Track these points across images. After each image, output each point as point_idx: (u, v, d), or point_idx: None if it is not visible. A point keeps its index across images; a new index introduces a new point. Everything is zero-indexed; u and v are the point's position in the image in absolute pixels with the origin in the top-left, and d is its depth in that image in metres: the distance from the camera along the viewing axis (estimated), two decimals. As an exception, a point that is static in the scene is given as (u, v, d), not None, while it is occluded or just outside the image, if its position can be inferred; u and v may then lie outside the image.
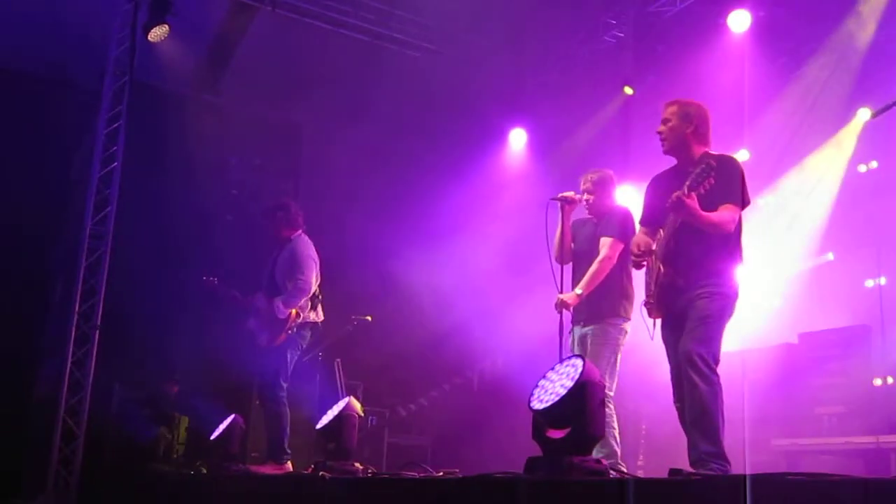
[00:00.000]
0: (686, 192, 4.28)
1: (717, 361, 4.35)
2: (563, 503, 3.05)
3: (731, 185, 4.49)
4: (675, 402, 4.61)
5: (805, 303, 8.51)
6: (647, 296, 4.70)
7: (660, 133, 4.77)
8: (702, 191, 4.29)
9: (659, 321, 4.73)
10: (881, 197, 7.91)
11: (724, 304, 4.46)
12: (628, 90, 9.93)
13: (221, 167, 10.66)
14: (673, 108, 4.75)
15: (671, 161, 4.88)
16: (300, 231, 7.01)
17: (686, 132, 4.67)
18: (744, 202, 4.54)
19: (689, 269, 4.51)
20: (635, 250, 4.72)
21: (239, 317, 7.27)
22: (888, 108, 4.26)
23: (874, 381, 7.44)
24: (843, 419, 7.63)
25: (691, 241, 4.49)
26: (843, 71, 8.37)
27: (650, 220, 4.86)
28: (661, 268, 4.57)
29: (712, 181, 4.27)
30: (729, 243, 4.55)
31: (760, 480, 2.37)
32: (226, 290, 7.26)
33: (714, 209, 4.43)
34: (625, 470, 5.24)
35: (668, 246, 4.54)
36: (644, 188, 5.08)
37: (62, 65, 10.30)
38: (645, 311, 4.75)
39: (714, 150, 4.73)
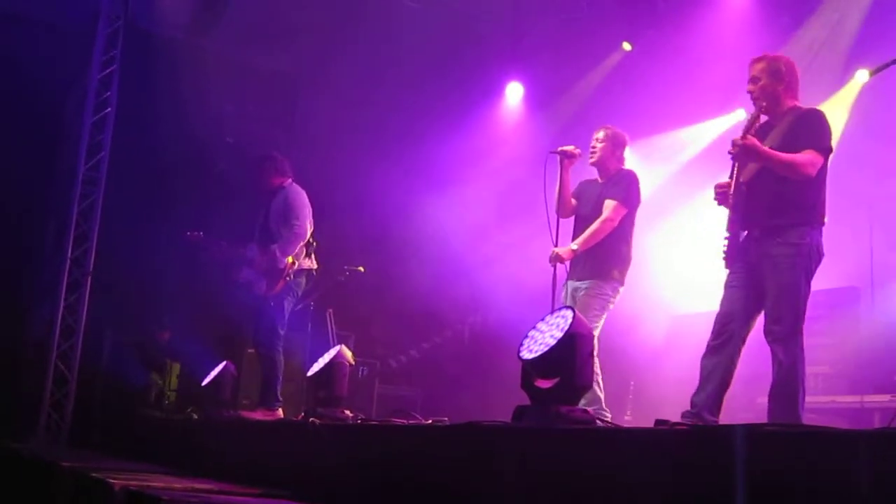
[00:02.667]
0: (742, 135, 4.24)
1: (801, 322, 4.32)
2: (549, 451, 3.08)
3: (815, 132, 4.41)
4: (710, 340, 4.58)
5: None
6: (726, 245, 4.60)
7: (750, 92, 4.66)
8: (752, 132, 4.26)
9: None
10: (876, 158, 7.89)
11: (806, 267, 4.38)
12: (627, 45, 9.87)
13: (216, 114, 10.58)
14: (761, 66, 4.64)
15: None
16: (290, 179, 6.99)
17: (778, 89, 4.59)
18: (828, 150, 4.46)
19: (764, 218, 4.44)
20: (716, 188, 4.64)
21: (230, 268, 7.24)
22: (886, 66, 4.24)
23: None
24: (829, 379, 7.70)
25: (765, 185, 4.43)
26: (843, 31, 8.31)
27: None
28: (731, 214, 4.52)
29: (759, 123, 4.23)
30: (806, 193, 4.44)
31: (750, 431, 2.39)
32: (212, 242, 7.22)
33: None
34: (609, 417, 5.32)
35: (737, 191, 4.45)
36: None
37: (55, 8, 10.19)
38: (724, 262, 4.64)
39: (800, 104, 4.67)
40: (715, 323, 4.60)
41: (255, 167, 7.10)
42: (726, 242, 4.61)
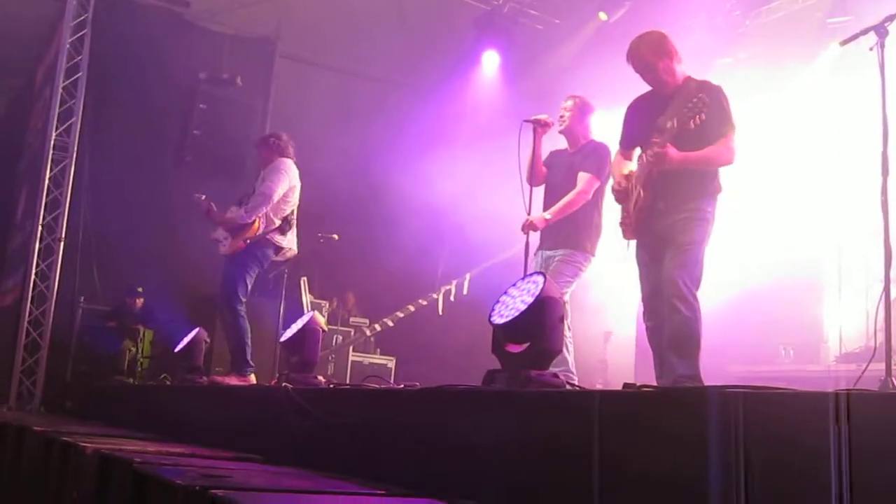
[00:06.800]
0: (663, 143, 4.32)
1: (698, 286, 4.42)
2: (519, 413, 3.11)
3: (723, 117, 4.48)
4: (645, 322, 4.70)
5: (766, 235, 8.62)
6: (625, 217, 4.72)
7: (650, 82, 4.73)
8: (691, 125, 4.30)
9: (633, 243, 4.77)
10: (850, 129, 7.95)
11: (705, 230, 4.50)
12: (603, 16, 9.87)
13: (190, 81, 10.49)
14: (647, 51, 4.67)
15: (646, 87, 4.86)
16: (288, 157, 6.95)
17: (672, 65, 4.66)
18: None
19: (670, 193, 4.52)
20: (616, 187, 4.77)
21: (210, 229, 7.20)
22: (855, 37, 4.28)
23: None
24: (797, 349, 7.84)
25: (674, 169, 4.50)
26: (817, 2, 8.37)
27: (629, 144, 4.88)
28: (642, 193, 4.58)
29: (704, 117, 4.28)
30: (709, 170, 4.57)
31: (718, 391, 2.42)
32: (206, 205, 7.19)
33: (709, 144, 4.44)
34: (575, 379, 5.38)
35: (650, 174, 4.52)
36: (616, 113, 5.08)
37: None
38: (620, 231, 4.78)
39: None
40: (644, 303, 4.71)
41: (261, 143, 7.08)
42: (623, 213, 4.73)
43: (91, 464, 3.93)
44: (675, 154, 4.35)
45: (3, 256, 10.56)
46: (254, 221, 6.63)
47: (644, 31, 4.78)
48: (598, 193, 5.90)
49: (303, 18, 10.47)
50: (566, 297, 5.67)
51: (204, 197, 7.21)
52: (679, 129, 4.32)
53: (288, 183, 6.79)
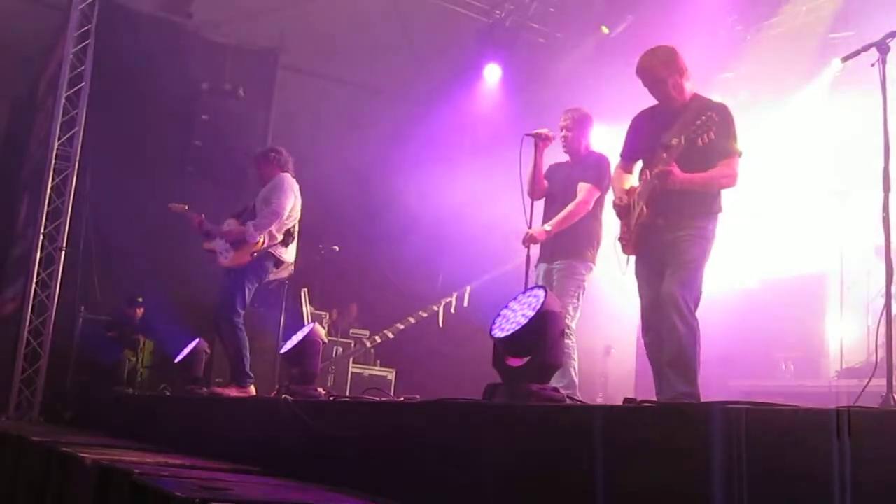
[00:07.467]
0: (669, 161, 4.33)
1: (697, 304, 4.43)
2: (520, 428, 3.11)
3: (729, 139, 4.49)
4: (643, 337, 4.71)
5: (767, 249, 8.63)
6: (624, 232, 4.72)
7: (658, 96, 4.72)
8: (699, 143, 4.31)
9: (632, 258, 4.77)
10: (851, 145, 7.97)
11: (705, 248, 4.51)
12: (605, 29, 9.91)
13: (192, 91, 10.51)
14: (658, 66, 4.66)
15: (648, 100, 4.86)
16: (288, 173, 6.98)
17: (681, 81, 4.67)
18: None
19: (672, 211, 4.53)
20: (617, 202, 4.78)
21: (203, 239, 7.21)
22: (857, 53, 4.29)
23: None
24: (798, 364, 7.82)
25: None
26: (818, 18, 8.39)
27: (631, 157, 4.89)
28: (644, 209, 4.58)
29: (713, 135, 4.30)
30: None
31: (721, 408, 2.42)
32: (194, 216, 7.19)
33: (713, 164, 4.46)
34: (578, 396, 5.35)
35: (653, 191, 4.53)
36: (618, 126, 5.09)
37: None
38: (619, 246, 4.78)
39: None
40: (642, 317, 4.73)
41: (260, 158, 7.09)
42: (622, 229, 4.73)
43: (90, 475, 3.91)
44: (679, 175, 4.37)
45: (4, 265, 10.54)
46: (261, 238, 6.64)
47: (655, 46, 4.76)
48: (598, 204, 5.90)
49: (305, 30, 10.50)
50: (575, 316, 5.66)
51: (186, 207, 7.20)
52: (687, 146, 4.33)
53: (294, 198, 6.81)
